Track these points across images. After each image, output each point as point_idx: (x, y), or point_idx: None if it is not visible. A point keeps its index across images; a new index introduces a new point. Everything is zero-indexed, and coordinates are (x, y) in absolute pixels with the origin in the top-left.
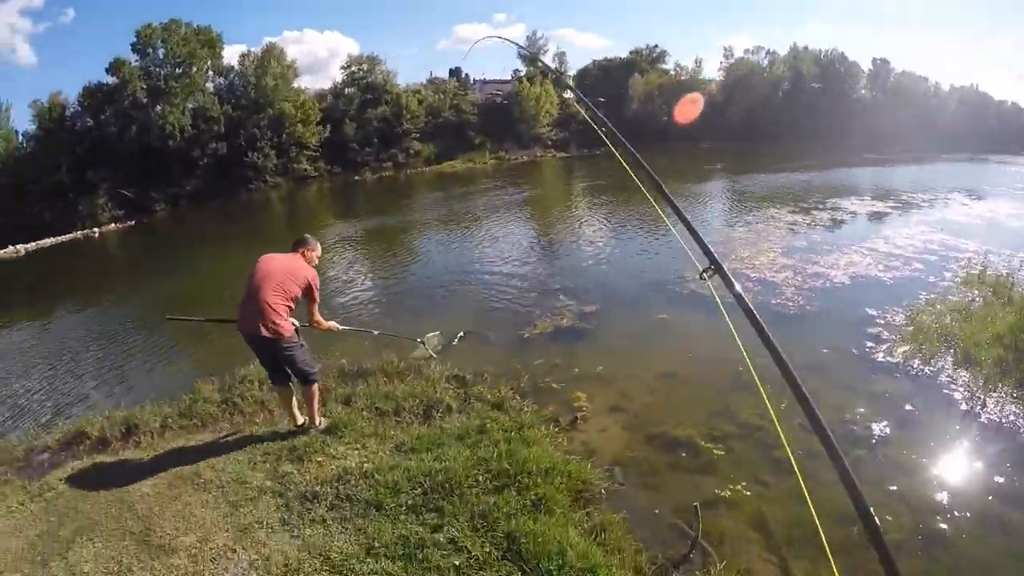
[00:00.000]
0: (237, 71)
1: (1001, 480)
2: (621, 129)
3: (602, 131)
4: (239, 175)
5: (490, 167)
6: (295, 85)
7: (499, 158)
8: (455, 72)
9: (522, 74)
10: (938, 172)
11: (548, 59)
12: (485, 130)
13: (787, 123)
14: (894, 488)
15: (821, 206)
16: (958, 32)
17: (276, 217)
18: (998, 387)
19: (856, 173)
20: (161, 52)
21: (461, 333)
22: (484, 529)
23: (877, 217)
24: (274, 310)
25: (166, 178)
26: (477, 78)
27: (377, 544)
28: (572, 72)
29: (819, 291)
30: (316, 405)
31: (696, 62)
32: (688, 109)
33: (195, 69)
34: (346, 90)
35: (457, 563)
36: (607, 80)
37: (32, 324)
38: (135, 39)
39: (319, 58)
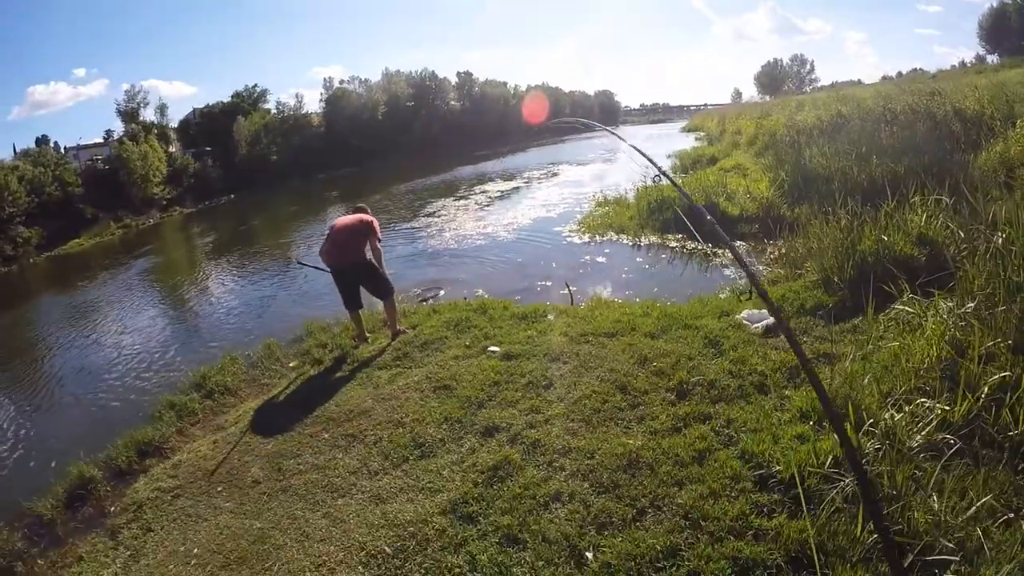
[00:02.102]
0: None
1: (653, 265)
2: (233, 176)
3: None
4: None
5: (118, 239)
6: None
7: (126, 227)
8: (43, 141)
9: (119, 134)
10: (538, 154)
11: (150, 112)
12: (95, 201)
13: (391, 141)
14: (606, 283)
15: (475, 191)
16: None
17: None
18: (642, 233)
19: (481, 167)
20: None
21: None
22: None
23: (520, 188)
24: (355, 246)
25: None
26: (70, 145)
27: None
28: (175, 124)
29: (522, 228)
30: (396, 315)
31: (297, 97)
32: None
33: None
34: None
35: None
36: (212, 127)
37: None
38: None
39: None
